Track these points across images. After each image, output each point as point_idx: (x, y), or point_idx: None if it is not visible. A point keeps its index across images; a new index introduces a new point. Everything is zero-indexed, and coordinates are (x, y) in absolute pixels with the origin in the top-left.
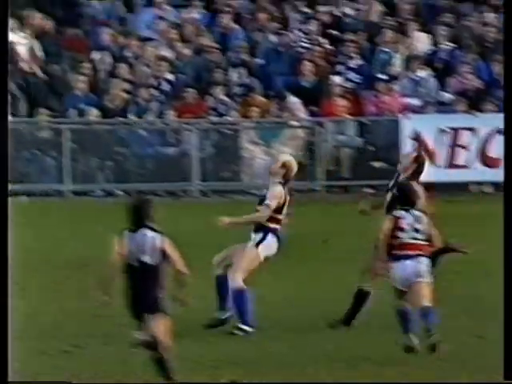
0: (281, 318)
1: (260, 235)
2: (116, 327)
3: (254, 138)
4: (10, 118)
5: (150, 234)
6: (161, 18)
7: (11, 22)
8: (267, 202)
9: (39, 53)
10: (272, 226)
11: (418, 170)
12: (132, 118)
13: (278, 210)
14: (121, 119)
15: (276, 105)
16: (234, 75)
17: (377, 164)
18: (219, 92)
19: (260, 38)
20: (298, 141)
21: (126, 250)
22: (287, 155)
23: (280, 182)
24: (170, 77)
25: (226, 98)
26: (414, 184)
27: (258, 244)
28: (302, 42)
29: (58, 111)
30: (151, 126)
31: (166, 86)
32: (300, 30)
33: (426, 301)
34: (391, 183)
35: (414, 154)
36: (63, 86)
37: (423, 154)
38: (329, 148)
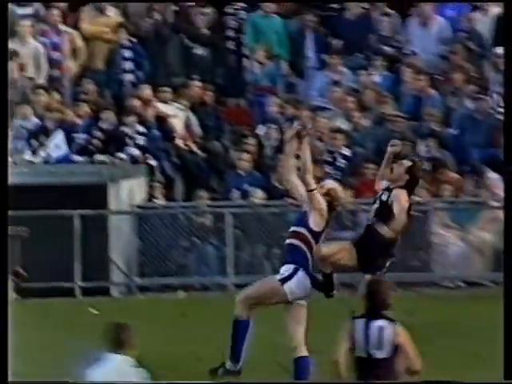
0: None
1: (289, 269)
2: None
3: (446, 220)
4: (164, 202)
5: (382, 323)
6: (335, 82)
7: (166, 92)
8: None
9: (196, 127)
10: (305, 249)
11: (412, 183)
12: None
13: (316, 234)
14: (289, 201)
15: (472, 182)
16: (422, 148)
17: None
18: None
19: (453, 104)
20: (498, 224)
21: (356, 340)
22: (333, 182)
23: None
24: (347, 151)
25: None
26: None
27: (283, 281)
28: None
29: (219, 193)
30: None
31: (341, 162)
32: (500, 93)
33: None
34: (377, 197)
35: (409, 163)
36: (224, 165)
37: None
38: None
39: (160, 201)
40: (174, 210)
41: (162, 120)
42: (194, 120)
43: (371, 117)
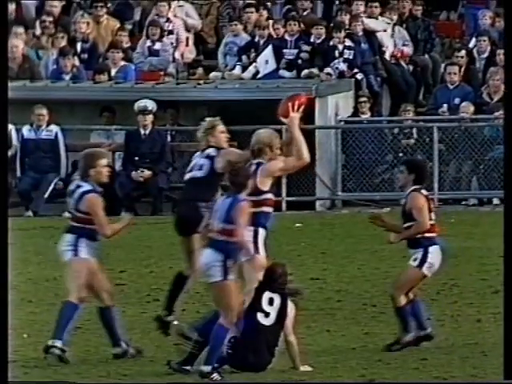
0: None
1: None
2: None
3: None
4: (370, 116)
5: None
6: None
7: (375, 7)
8: None
9: (405, 41)
10: None
11: None
12: None
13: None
14: (500, 115)
15: None
16: None
17: None
18: None
19: None
20: None
21: None
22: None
23: None
24: None
25: None
26: None
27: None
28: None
29: (427, 108)
30: None
31: None
32: None
33: None
34: None
35: None
36: (433, 79)
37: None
38: None
39: (366, 115)
40: (379, 125)
41: (370, 34)
42: (403, 34)
43: None
